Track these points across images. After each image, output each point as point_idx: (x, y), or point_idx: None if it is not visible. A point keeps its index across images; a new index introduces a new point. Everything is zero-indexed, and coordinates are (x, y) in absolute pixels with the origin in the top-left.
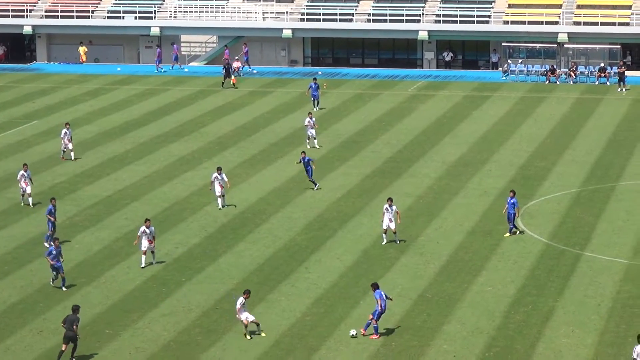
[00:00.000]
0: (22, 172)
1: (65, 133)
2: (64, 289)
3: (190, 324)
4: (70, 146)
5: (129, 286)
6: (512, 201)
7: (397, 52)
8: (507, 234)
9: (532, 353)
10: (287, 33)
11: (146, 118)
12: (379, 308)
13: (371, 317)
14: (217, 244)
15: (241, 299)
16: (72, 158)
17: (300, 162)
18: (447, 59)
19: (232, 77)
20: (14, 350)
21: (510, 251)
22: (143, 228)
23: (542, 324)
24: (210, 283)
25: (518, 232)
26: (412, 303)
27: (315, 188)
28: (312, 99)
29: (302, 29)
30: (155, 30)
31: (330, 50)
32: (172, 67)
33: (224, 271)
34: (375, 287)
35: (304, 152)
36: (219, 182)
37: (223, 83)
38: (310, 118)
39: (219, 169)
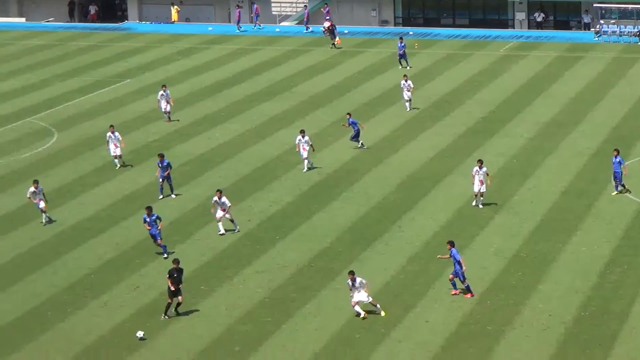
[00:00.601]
0: (109, 133)
1: (162, 95)
2: (165, 255)
3: (285, 281)
4: (168, 108)
5: (223, 244)
6: (617, 160)
7: (488, 12)
8: (615, 192)
9: (628, 313)
10: None
11: (238, 77)
12: (460, 268)
13: (452, 276)
14: (310, 202)
15: (348, 282)
16: (168, 119)
17: (348, 125)
18: (539, 19)
19: (337, 37)
20: (110, 306)
21: (605, 211)
22: (215, 198)
23: (638, 285)
24: (304, 241)
25: (625, 191)
26: (506, 262)
27: (360, 146)
28: (399, 58)
29: None
30: None
31: (421, 11)
32: (254, 26)
33: (318, 229)
34: (451, 245)
35: (349, 113)
36: (303, 146)
37: (333, 44)
38: (405, 81)
39: (302, 132)
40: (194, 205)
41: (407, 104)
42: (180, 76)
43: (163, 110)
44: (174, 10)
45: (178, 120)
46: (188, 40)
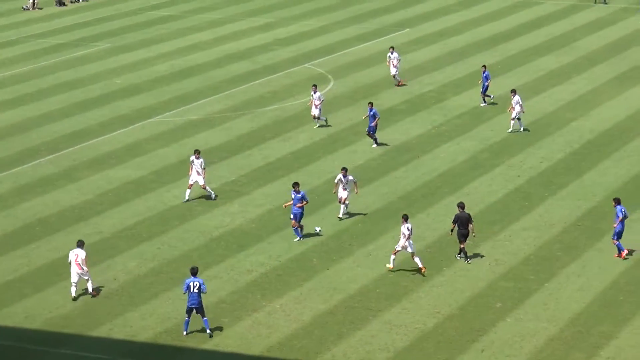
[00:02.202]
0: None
1: (389, 57)
2: (299, 238)
3: (551, 239)
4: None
5: (491, 198)
6: None
7: None
8: None
9: None
10: None
11: (517, 30)
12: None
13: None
14: (581, 160)
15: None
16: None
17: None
18: None
19: None
20: (375, 256)
21: None
22: (339, 176)
23: None
24: (573, 199)
25: None
26: None
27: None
28: None
29: None
30: None
31: None
32: None
33: (587, 188)
34: (617, 201)
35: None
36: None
37: None
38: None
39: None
40: (464, 158)
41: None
42: (459, 27)
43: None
44: None
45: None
46: None
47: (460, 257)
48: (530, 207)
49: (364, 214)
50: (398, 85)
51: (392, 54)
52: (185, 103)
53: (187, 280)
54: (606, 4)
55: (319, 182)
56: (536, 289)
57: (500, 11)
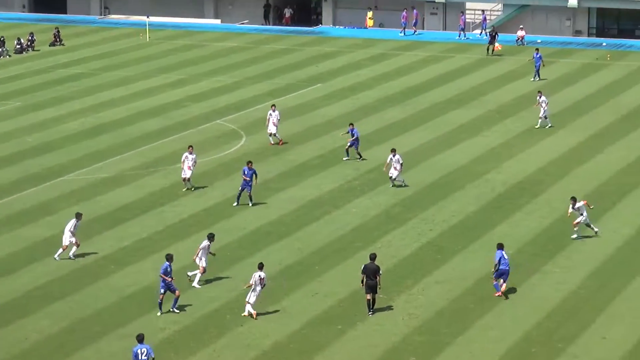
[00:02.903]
0: (186, 153)
1: (270, 115)
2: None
3: (464, 291)
4: (273, 130)
5: (404, 251)
6: None
7: None
8: None
9: None
10: (572, 3)
11: (428, 84)
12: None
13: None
14: (493, 213)
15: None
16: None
17: (348, 133)
18: None
19: (496, 44)
20: (288, 312)
21: None
22: None
23: None
24: (485, 252)
25: None
26: None
27: (360, 159)
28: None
29: None
30: None
31: (615, 22)
32: (415, 32)
33: (499, 240)
34: (498, 246)
35: (351, 123)
36: (394, 165)
37: (488, 49)
38: (539, 97)
39: (393, 151)
40: (376, 212)
41: (540, 120)
42: (370, 82)
43: (269, 131)
44: (369, 16)
45: (287, 143)
46: (381, 45)
47: (371, 313)
48: (443, 260)
49: (277, 269)
50: (279, 144)
51: (273, 112)
52: (97, 161)
53: (135, 349)
54: (499, 55)
55: (232, 239)
56: (449, 342)
57: (410, 65)
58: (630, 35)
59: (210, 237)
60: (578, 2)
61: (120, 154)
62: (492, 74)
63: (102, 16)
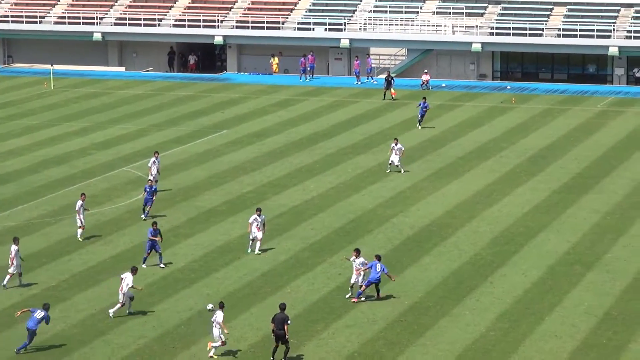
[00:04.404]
0: (153, 159)
1: (154, 162)
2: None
3: (375, 335)
4: (157, 176)
5: (313, 296)
6: None
7: (587, 67)
8: None
9: None
10: (476, 47)
11: (334, 129)
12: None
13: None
14: (402, 256)
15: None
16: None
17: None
18: (638, 75)
19: (392, 89)
20: (199, 358)
21: None
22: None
23: None
24: (395, 295)
25: None
26: (597, 321)
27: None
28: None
29: (491, 43)
30: (345, 42)
31: (519, 65)
32: (307, 78)
33: (409, 284)
34: (377, 258)
35: (150, 180)
36: (257, 225)
37: (385, 95)
38: (396, 144)
39: (259, 211)
40: (285, 257)
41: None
42: (277, 127)
43: (153, 177)
44: (274, 62)
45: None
46: (286, 91)
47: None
48: (352, 304)
49: (189, 315)
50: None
51: (157, 159)
52: (3, 210)
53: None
54: (394, 100)
55: (142, 285)
56: None
57: (316, 111)
58: (534, 78)
59: (133, 270)
60: (482, 46)
61: (26, 202)
62: (398, 119)
63: (6, 65)
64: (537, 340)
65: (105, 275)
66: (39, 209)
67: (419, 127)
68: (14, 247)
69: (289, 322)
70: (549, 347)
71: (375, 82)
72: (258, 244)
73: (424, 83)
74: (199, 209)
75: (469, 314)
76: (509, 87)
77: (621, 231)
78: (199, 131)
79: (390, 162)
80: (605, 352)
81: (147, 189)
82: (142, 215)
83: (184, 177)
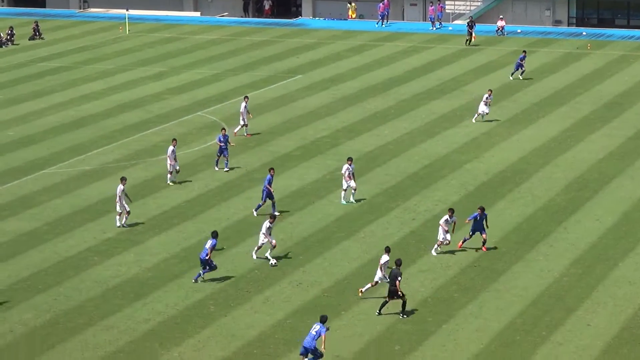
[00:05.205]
0: (171, 147)
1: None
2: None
3: (448, 280)
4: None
5: (387, 241)
6: None
7: None
8: None
9: None
10: None
11: (408, 75)
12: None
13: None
14: (477, 202)
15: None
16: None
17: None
18: None
19: (473, 34)
20: (273, 302)
21: None
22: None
23: None
24: (469, 241)
25: None
26: None
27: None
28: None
29: None
30: None
31: (595, 11)
32: (383, 24)
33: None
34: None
35: (223, 128)
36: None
37: (467, 40)
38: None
39: (350, 160)
40: (360, 203)
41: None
42: (352, 73)
43: (243, 123)
44: (351, 8)
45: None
46: (361, 37)
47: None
48: (426, 250)
49: (262, 260)
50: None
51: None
52: (79, 154)
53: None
54: (474, 45)
55: (217, 229)
56: (434, 330)
57: (391, 56)
58: (610, 24)
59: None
60: None
61: (102, 146)
62: (473, 64)
63: (82, 10)
64: (611, 286)
65: (179, 220)
66: (114, 153)
67: (512, 77)
68: (119, 187)
69: (399, 278)
70: (622, 293)
71: (450, 28)
72: (353, 192)
73: (499, 29)
74: (273, 154)
75: (542, 260)
76: (584, 33)
77: None
78: (274, 76)
79: (480, 112)
80: None
81: (221, 139)
82: (221, 167)
83: (258, 122)
